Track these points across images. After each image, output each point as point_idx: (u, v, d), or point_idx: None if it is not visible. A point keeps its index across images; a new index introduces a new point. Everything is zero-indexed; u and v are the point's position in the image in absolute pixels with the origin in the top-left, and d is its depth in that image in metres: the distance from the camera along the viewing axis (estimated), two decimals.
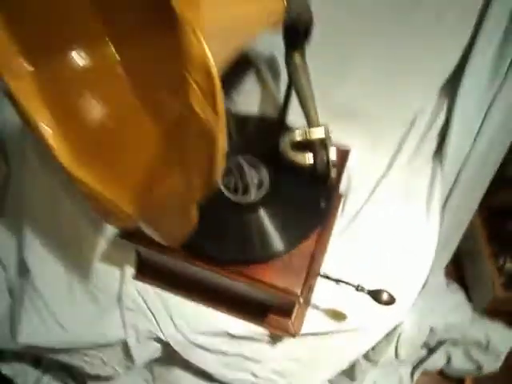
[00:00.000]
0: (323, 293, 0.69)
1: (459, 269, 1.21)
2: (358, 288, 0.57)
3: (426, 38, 0.75)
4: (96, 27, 0.45)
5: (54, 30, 0.44)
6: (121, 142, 0.47)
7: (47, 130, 0.44)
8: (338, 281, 0.58)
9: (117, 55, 0.47)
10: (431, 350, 1.04)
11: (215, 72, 0.25)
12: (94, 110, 0.47)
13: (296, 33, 0.61)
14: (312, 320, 0.67)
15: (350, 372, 0.90)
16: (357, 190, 0.81)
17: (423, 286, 0.95)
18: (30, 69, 0.43)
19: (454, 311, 0.99)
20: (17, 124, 0.80)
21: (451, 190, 0.86)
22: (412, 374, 1.05)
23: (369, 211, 0.79)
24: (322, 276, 0.59)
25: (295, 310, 0.64)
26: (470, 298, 1.09)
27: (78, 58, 0.46)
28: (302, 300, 0.53)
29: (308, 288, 0.58)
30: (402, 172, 0.83)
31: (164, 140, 0.45)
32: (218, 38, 0.33)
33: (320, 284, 0.69)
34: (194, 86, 0.26)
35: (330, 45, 0.77)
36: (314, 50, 0.73)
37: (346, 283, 0.57)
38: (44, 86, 0.45)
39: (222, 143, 0.28)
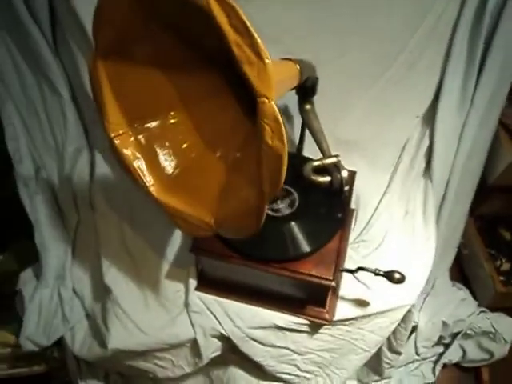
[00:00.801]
0: (348, 287, 0.85)
1: (463, 272, 1.34)
2: (376, 272, 0.74)
3: (403, 83, 0.95)
4: (173, 97, 0.65)
5: (145, 101, 0.63)
6: (194, 175, 0.65)
7: (141, 169, 0.63)
8: (358, 269, 0.75)
9: (187, 115, 0.67)
10: (447, 346, 1.17)
11: (280, 119, 0.45)
12: (173, 156, 0.66)
13: (305, 89, 0.82)
14: (342, 309, 0.83)
15: (377, 367, 1.04)
16: (365, 206, 0.99)
17: (432, 287, 1.11)
18: (128, 128, 0.62)
19: (461, 306, 1.11)
20: (85, 182, 1.00)
21: (442, 201, 1.03)
22: (433, 370, 1.17)
23: (377, 223, 0.97)
24: (343, 270, 0.76)
25: (328, 300, 0.80)
26: (474, 297, 1.22)
27: (162, 120, 0.66)
28: (334, 284, 0.70)
29: (337, 278, 0.75)
30: (400, 189, 1.01)
31: (227, 170, 0.64)
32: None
33: (345, 281, 0.86)
34: (267, 128, 0.45)
35: (333, 96, 0.97)
36: (322, 101, 0.95)
37: (366, 270, 0.74)
38: (137, 141, 0.64)
39: (285, 161, 0.46)
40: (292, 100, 0.88)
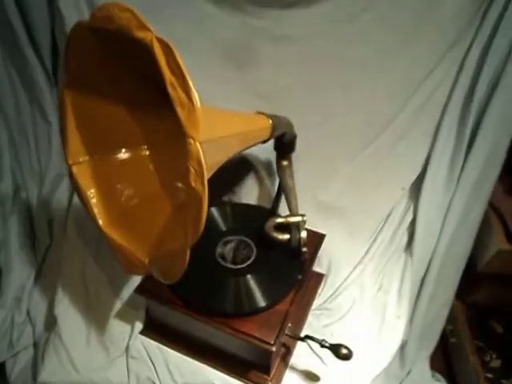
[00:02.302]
0: (301, 357, 0.79)
1: (449, 364, 1.24)
2: (322, 343, 0.68)
3: (390, 154, 0.95)
4: (136, 135, 0.66)
5: (107, 134, 0.65)
6: (143, 212, 0.65)
7: (92, 200, 0.63)
8: (304, 338, 0.70)
9: (148, 152, 0.67)
10: None
11: (204, 162, 0.44)
12: (127, 190, 0.67)
13: (283, 145, 0.82)
14: (289, 380, 0.77)
15: None
16: (336, 272, 0.95)
17: (408, 374, 1.03)
18: (87, 158, 0.63)
19: None
20: (63, 208, 1.01)
21: (423, 282, 0.96)
22: None
23: (345, 293, 0.92)
24: (289, 335, 0.71)
25: (273, 368, 0.75)
26: None
27: (122, 154, 0.67)
28: (274, 349, 0.65)
29: (282, 343, 0.70)
30: (376, 261, 0.97)
31: (173, 211, 0.63)
32: (215, 145, 0.52)
33: (299, 350, 0.81)
34: (192, 170, 0.45)
35: (317, 160, 0.98)
36: (306, 163, 0.95)
37: (312, 339, 0.69)
38: (94, 171, 0.65)
39: (205, 205, 0.45)
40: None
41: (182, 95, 0.44)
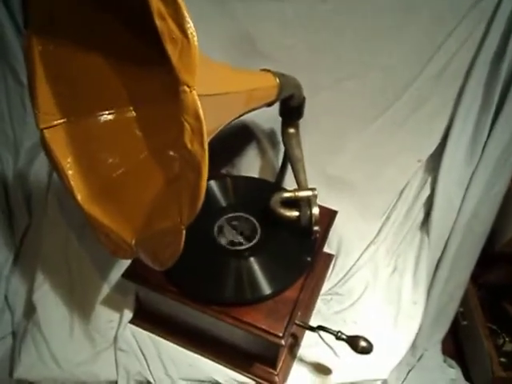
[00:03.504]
0: (311, 347, 0.71)
1: (459, 346, 1.19)
2: (338, 335, 0.60)
3: (406, 123, 0.85)
4: (119, 92, 0.56)
5: (85, 92, 0.55)
6: (130, 185, 0.55)
7: (69, 171, 0.53)
8: (318, 328, 0.62)
9: (134, 113, 0.57)
10: None
11: (202, 116, 0.34)
12: (111, 159, 0.57)
13: (290, 110, 0.72)
14: (297, 374, 0.69)
15: None
16: (347, 253, 0.86)
17: (419, 359, 0.96)
18: (63, 121, 0.53)
19: None
20: (43, 182, 0.91)
21: (439, 262, 0.89)
22: None
23: (356, 276, 0.84)
24: (300, 325, 0.62)
25: (280, 361, 0.67)
26: (469, 378, 1.06)
27: (103, 116, 0.56)
28: (283, 342, 0.57)
29: (290, 334, 0.61)
30: (390, 241, 0.89)
31: (165, 185, 0.53)
32: (214, 102, 0.42)
33: (309, 339, 0.72)
34: (187, 126, 0.35)
35: (327, 127, 0.88)
36: (314, 131, 0.85)
37: (327, 330, 0.61)
38: (71, 137, 0.55)
39: (205, 172, 0.36)
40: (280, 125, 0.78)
41: (174, 27, 0.33)
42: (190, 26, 0.33)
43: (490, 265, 1.10)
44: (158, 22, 0.34)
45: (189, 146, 0.35)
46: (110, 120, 0.56)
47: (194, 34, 0.33)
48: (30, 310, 0.79)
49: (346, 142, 0.89)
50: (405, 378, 0.89)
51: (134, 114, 0.58)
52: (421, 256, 0.87)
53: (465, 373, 1.05)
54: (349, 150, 0.90)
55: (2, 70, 0.83)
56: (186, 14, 0.33)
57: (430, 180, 0.88)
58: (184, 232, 0.41)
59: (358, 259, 0.85)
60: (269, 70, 0.62)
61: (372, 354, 0.61)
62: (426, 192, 0.88)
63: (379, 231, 0.89)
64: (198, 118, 0.34)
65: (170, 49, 0.34)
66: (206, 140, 0.35)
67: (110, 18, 0.50)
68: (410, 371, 0.91)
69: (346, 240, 0.88)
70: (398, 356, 0.74)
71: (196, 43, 0.33)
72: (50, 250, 0.83)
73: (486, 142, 0.81)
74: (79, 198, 0.54)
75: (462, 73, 0.79)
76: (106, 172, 0.56)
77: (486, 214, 0.87)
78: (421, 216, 0.90)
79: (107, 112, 0.57)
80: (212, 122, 0.42)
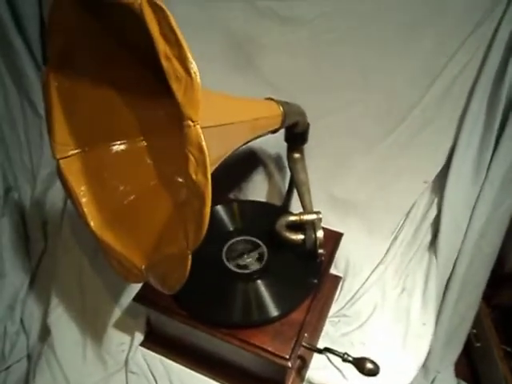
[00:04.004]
0: (319, 369, 0.72)
1: (474, 368, 1.16)
2: (344, 357, 0.60)
3: (411, 145, 0.86)
4: (130, 123, 0.59)
5: (99, 123, 0.58)
6: (140, 211, 0.58)
7: (83, 199, 0.56)
8: (323, 350, 0.62)
9: (145, 143, 0.60)
10: None
11: (206, 148, 0.36)
12: (122, 186, 0.59)
13: (294, 136, 0.75)
14: None
15: None
16: (355, 275, 0.87)
17: (432, 383, 0.95)
18: (77, 151, 0.56)
19: None
20: (58, 209, 0.94)
21: (448, 283, 0.88)
22: None
23: (364, 297, 0.84)
24: (306, 347, 0.63)
25: (288, 382, 0.67)
26: None
27: (115, 146, 0.59)
28: (290, 365, 0.57)
29: (297, 356, 0.62)
30: (398, 261, 0.89)
31: (173, 211, 0.55)
32: (218, 133, 0.45)
33: (317, 361, 0.73)
34: (192, 158, 0.37)
35: (333, 150, 0.90)
36: (320, 155, 0.87)
37: (333, 352, 0.61)
38: (85, 166, 0.58)
39: (208, 200, 0.38)
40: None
41: (178, 67, 0.36)
42: (193, 65, 0.36)
43: (502, 286, 1.09)
44: (164, 62, 0.37)
45: (193, 176, 0.37)
46: (122, 150, 0.59)
47: (197, 73, 0.36)
48: (45, 332, 0.81)
49: (352, 165, 0.91)
50: None
51: (144, 143, 0.61)
52: (429, 276, 0.87)
53: None
54: (355, 173, 0.92)
55: (21, 103, 0.88)
56: (189, 54, 0.36)
57: (436, 200, 0.89)
58: (190, 257, 0.43)
59: (365, 280, 0.85)
60: (272, 99, 0.65)
61: (381, 375, 0.61)
62: (434, 212, 0.89)
63: (387, 252, 0.90)
64: (201, 150, 0.36)
65: (174, 86, 0.37)
66: (210, 171, 0.37)
67: (122, 54, 0.53)
68: None
69: (353, 261, 0.88)
70: (408, 378, 0.74)
71: (199, 81, 0.36)
72: (64, 274, 0.85)
73: (491, 161, 0.81)
74: (92, 224, 0.56)
75: (465, 94, 0.81)
76: (117, 199, 0.58)
77: (494, 233, 0.87)
78: (429, 236, 0.90)
79: (119, 142, 0.60)
80: (216, 152, 0.45)
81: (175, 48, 0.36)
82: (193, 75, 0.35)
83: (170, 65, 0.37)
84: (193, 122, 0.36)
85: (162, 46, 0.37)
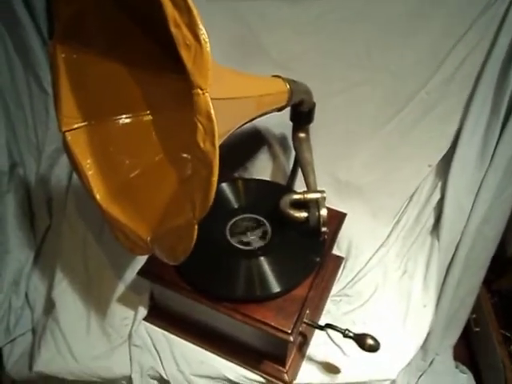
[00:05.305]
0: (319, 347, 0.73)
1: (472, 352, 1.18)
2: (345, 333, 0.61)
3: (416, 128, 0.86)
4: (136, 97, 0.59)
5: (105, 97, 0.58)
6: (145, 185, 0.58)
7: (89, 171, 0.56)
8: (324, 326, 0.63)
9: (151, 117, 0.60)
10: None
11: (214, 116, 0.36)
12: (128, 160, 0.59)
13: (300, 115, 0.75)
14: (306, 372, 0.70)
15: None
16: (357, 256, 0.87)
17: (430, 364, 0.96)
18: (83, 124, 0.56)
19: None
20: (63, 185, 0.95)
21: (449, 267, 0.89)
22: None
23: (366, 278, 0.84)
24: (307, 323, 0.64)
25: (289, 359, 0.68)
26: None
27: (122, 119, 0.59)
28: (292, 339, 0.58)
29: (299, 332, 0.63)
30: (400, 244, 0.89)
31: (179, 185, 0.56)
32: (226, 106, 0.45)
33: (317, 339, 0.74)
34: (200, 126, 0.37)
35: (337, 132, 0.90)
36: (325, 136, 0.87)
37: (334, 328, 0.62)
38: (91, 139, 0.58)
39: (216, 169, 0.38)
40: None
41: (188, 34, 0.36)
42: (203, 32, 0.35)
43: (503, 271, 1.09)
44: (173, 29, 0.37)
45: (201, 144, 0.37)
46: (128, 123, 0.59)
47: (207, 40, 0.36)
48: (50, 306, 0.82)
49: (357, 147, 0.91)
50: (416, 383, 0.90)
51: (150, 117, 0.61)
52: (431, 260, 0.87)
53: (477, 380, 1.04)
54: (359, 155, 0.92)
55: (26, 78, 0.87)
56: (199, 21, 0.35)
57: (440, 184, 0.88)
58: (196, 227, 0.43)
59: (367, 262, 0.86)
60: (279, 76, 0.65)
61: (380, 353, 0.62)
62: (437, 196, 0.89)
63: (389, 234, 0.90)
64: (209, 118, 0.36)
65: (184, 54, 0.37)
66: (218, 139, 0.37)
67: (130, 27, 0.53)
68: (421, 376, 0.91)
69: (355, 243, 0.89)
70: (407, 357, 0.75)
71: (208, 49, 0.36)
72: (68, 250, 0.86)
73: (496, 146, 0.81)
74: (98, 197, 0.57)
75: (473, 77, 0.80)
76: (123, 173, 0.58)
77: (497, 218, 0.87)
78: (431, 220, 0.90)
79: (125, 116, 0.60)
80: (223, 125, 0.45)
81: (185, 14, 0.36)
82: (202, 42, 0.35)
83: (179, 32, 0.37)
84: (202, 90, 0.36)
85: (170, 11, 0.36)
